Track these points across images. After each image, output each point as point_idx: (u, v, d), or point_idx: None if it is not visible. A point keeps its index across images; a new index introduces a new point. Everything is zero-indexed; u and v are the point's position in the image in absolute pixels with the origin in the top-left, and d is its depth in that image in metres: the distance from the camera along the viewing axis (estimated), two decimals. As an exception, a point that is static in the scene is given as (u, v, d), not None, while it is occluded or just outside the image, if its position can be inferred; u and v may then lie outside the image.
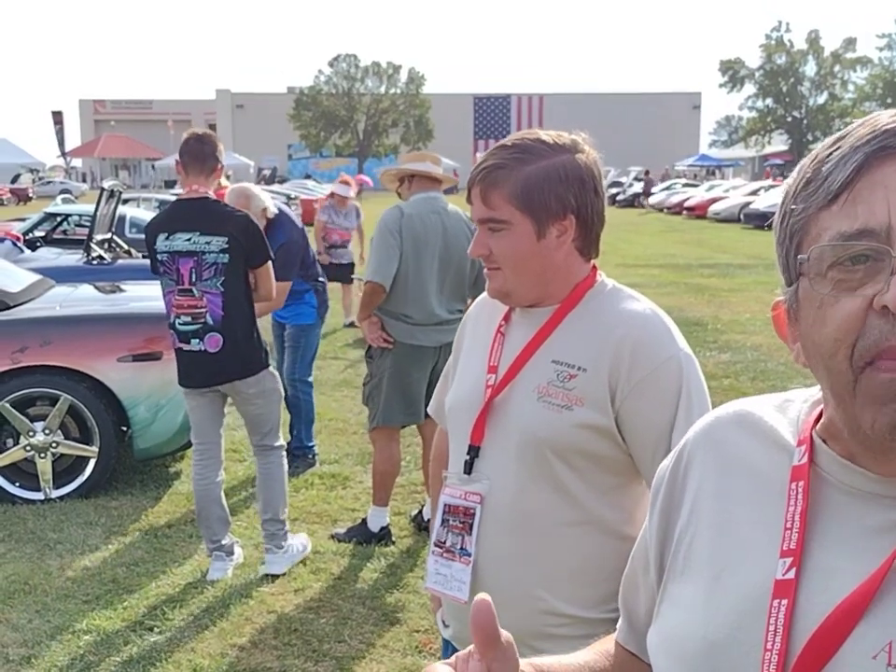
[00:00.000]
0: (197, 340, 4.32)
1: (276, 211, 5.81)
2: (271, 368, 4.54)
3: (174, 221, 4.36)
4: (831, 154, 0.88)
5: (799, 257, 0.89)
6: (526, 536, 1.79)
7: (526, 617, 1.79)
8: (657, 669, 1.03)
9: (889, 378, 0.81)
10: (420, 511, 5.16)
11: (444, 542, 1.88)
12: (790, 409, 1.02)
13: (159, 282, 4.48)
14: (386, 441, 4.95)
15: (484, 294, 1.99)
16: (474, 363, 1.92)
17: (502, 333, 1.88)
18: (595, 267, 1.86)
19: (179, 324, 4.34)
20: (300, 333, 6.27)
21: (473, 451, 1.84)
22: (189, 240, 4.30)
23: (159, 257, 4.35)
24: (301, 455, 6.14)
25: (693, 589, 0.99)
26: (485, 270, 1.84)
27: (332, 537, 5.02)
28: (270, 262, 4.44)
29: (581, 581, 1.80)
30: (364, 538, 4.92)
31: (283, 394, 4.74)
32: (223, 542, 4.58)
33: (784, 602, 0.89)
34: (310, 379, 6.36)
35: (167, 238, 4.33)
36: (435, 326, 4.76)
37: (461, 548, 1.84)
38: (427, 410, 2.26)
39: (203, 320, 4.31)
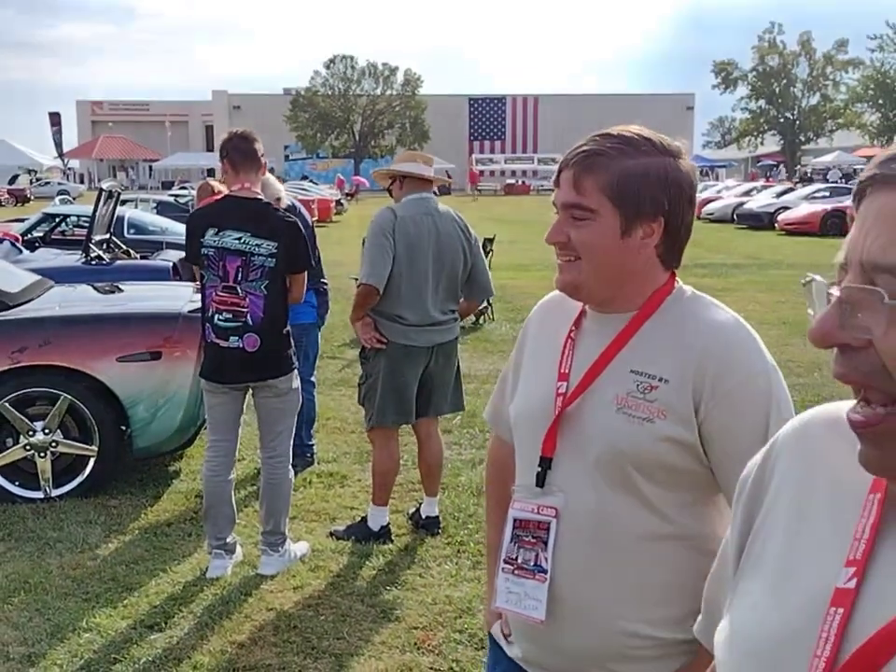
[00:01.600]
0: (236, 338, 4.37)
1: (290, 203, 5.87)
2: (296, 371, 4.60)
3: (226, 217, 4.40)
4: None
5: None
6: (606, 551, 1.71)
7: (605, 637, 1.72)
8: (718, 662, 1.03)
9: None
10: (417, 509, 5.19)
11: (516, 559, 1.78)
12: None
13: (154, 283, 4.50)
14: (385, 441, 4.97)
15: (548, 297, 1.94)
16: (542, 371, 1.81)
17: (573, 339, 1.78)
18: (673, 274, 1.78)
19: (219, 319, 4.38)
20: (300, 333, 6.23)
21: (545, 463, 1.75)
22: (239, 239, 4.35)
23: (204, 250, 4.39)
24: (300, 453, 6.16)
25: (760, 586, 0.99)
26: (558, 260, 1.73)
27: (331, 534, 5.04)
28: (308, 270, 4.54)
29: (663, 598, 1.72)
30: (363, 536, 4.94)
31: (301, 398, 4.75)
32: (227, 541, 4.61)
33: (840, 611, 0.88)
34: (312, 379, 6.39)
35: (217, 233, 4.37)
36: (429, 326, 4.79)
37: (535, 564, 1.75)
38: (484, 415, 2.17)
39: (243, 319, 4.36)
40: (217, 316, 4.40)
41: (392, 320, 4.77)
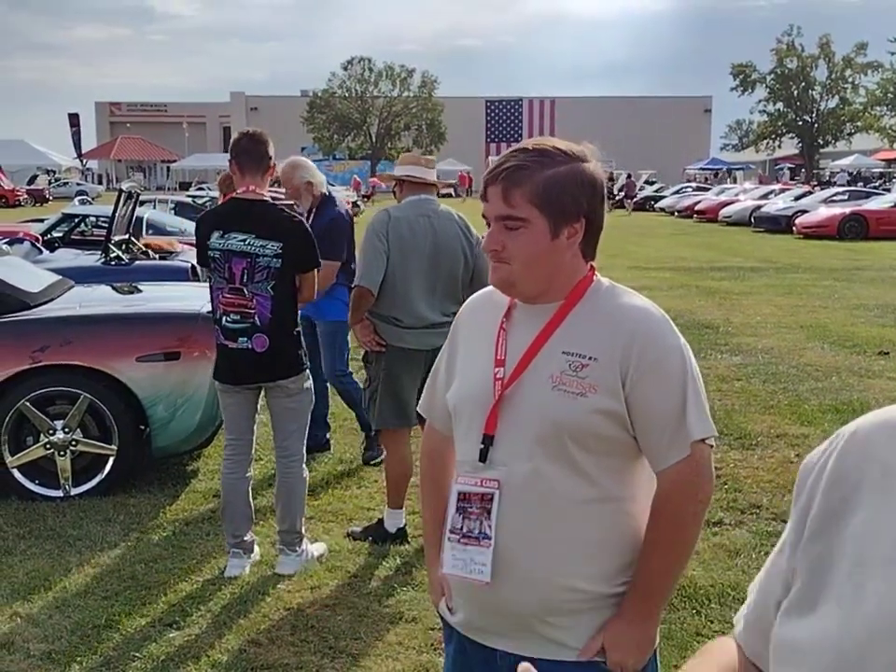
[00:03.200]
0: (245, 339, 4.39)
1: (325, 191, 5.95)
2: (307, 370, 4.62)
3: (230, 220, 4.42)
4: None
5: None
6: (544, 515, 1.88)
7: (544, 593, 1.89)
8: (789, 660, 0.98)
9: None
10: None
11: (461, 528, 1.95)
12: None
13: (174, 283, 4.54)
14: (395, 445, 4.97)
15: (477, 294, 2.14)
16: (478, 359, 1.99)
17: (505, 329, 1.97)
18: (592, 266, 1.98)
19: (227, 321, 4.41)
20: (334, 330, 6.23)
21: (488, 440, 1.92)
22: (244, 241, 4.36)
23: (210, 253, 4.42)
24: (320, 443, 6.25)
25: (831, 590, 0.95)
26: (491, 262, 1.93)
27: (348, 535, 5.07)
28: (317, 268, 4.53)
29: (594, 555, 1.91)
30: (380, 537, 4.96)
31: (314, 399, 4.76)
32: (244, 539, 4.63)
33: None
34: (349, 371, 6.46)
35: (222, 236, 4.39)
36: (425, 329, 4.75)
37: (480, 532, 1.92)
38: (418, 408, 2.33)
39: (251, 320, 4.38)
40: (225, 318, 4.42)
41: (388, 322, 4.77)
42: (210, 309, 5.81)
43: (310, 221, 5.68)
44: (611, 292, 1.96)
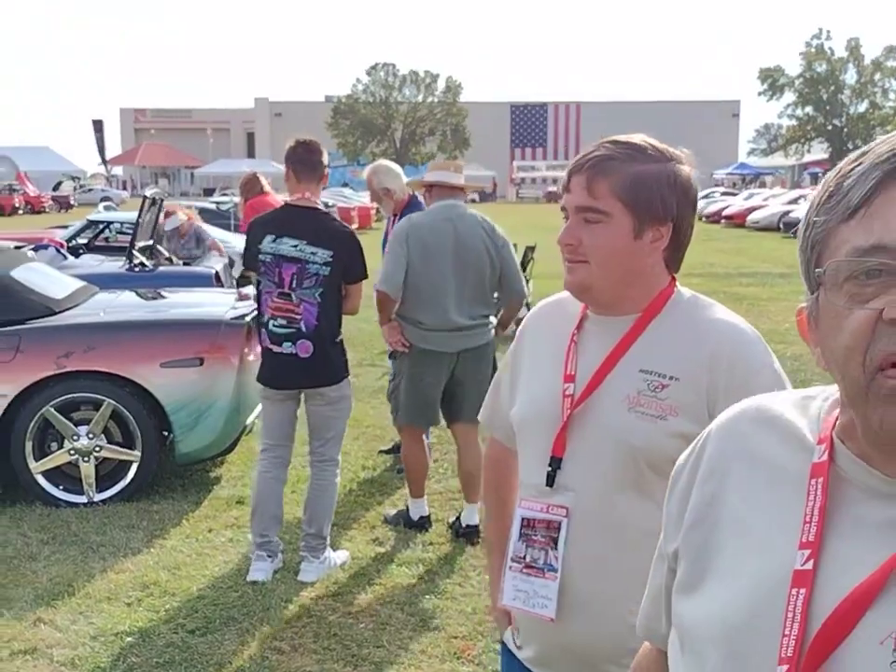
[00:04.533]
0: (290, 343, 4.45)
1: (411, 193, 6.02)
2: (350, 377, 4.69)
3: (283, 225, 4.50)
4: (853, 169, 0.94)
5: (816, 271, 0.96)
6: (617, 547, 1.73)
7: (616, 632, 1.72)
8: (673, 653, 1.09)
9: (895, 383, 0.88)
10: (458, 518, 5.19)
11: (524, 557, 1.80)
12: (810, 406, 1.07)
13: (196, 289, 4.57)
14: (411, 440, 5.16)
15: (544, 302, 1.97)
16: (546, 374, 1.84)
17: (576, 342, 1.81)
18: (674, 279, 1.84)
19: (274, 325, 4.47)
20: None
21: (556, 462, 1.77)
22: (295, 246, 4.44)
23: (262, 257, 4.48)
24: None
25: (713, 576, 1.04)
26: (566, 261, 1.77)
27: (383, 518, 5.32)
28: (363, 280, 4.61)
29: None
30: (406, 523, 5.19)
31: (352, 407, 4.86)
32: (271, 541, 4.64)
33: (802, 591, 0.94)
34: None
35: (274, 240, 4.46)
36: (451, 332, 4.88)
37: (545, 562, 1.77)
38: (479, 418, 2.18)
39: (297, 326, 4.44)
40: (272, 322, 4.48)
41: (412, 324, 4.93)
42: (234, 315, 5.87)
43: (393, 226, 5.73)
44: (694, 305, 1.81)
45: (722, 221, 37.85)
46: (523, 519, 1.82)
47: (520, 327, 2.03)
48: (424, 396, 4.98)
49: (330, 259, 4.43)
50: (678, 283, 1.84)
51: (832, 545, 0.96)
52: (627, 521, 1.73)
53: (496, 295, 5.17)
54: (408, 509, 5.22)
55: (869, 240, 0.90)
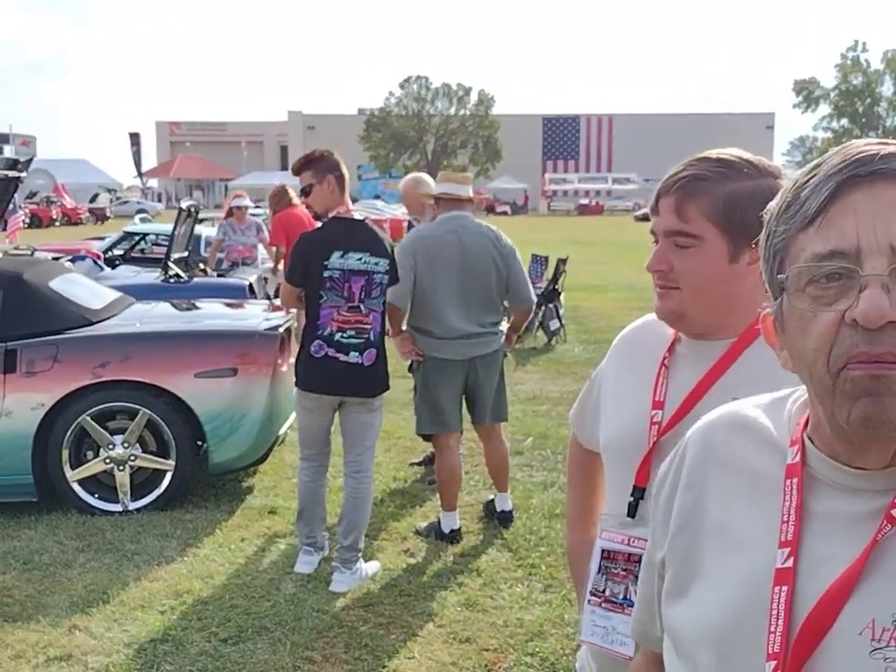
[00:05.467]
0: (356, 353, 4.54)
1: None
2: None
3: (345, 240, 4.56)
4: (808, 180, 0.99)
5: (779, 277, 1.01)
6: None
7: None
8: (669, 657, 1.13)
9: (858, 376, 0.93)
10: (492, 501, 5.52)
11: (603, 591, 1.73)
12: (781, 409, 1.13)
13: (231, 300, 4.62)
14: (441, 450, 5.27)
15: (638, 322, 1.88)
16: (634, 398, 1.73)
17: (667, 367, 1.71)
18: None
19: (342, 337, 4.53)
20: None
21: (638, 492, 1.68)
22: (360, 259, 4.54)
23: (328, 273, 4.50)
24: None
25: (699, 581, 1.08)
26: (657, 287, 1.67)
27: (415, 530, 5.35)
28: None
29: None
30: (438, 535, 5.22)
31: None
32: (317, 539, 4.83)
33: (784, 589, 0.99)
34: None
35: (342, 256, 4.53)
36: (461, 340, 5.06)
37: (625, 598, 1.69)
38: (569, 415, 2.09)
39: (366, 335, 4.55)
40: (339, 335, 4.52)
41: (423, 334, 5.11)
42: (268, 326, 5.92)
43: None
44: None
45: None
46: (603, 551, 1.74)
47: (613, 343, 1.92)
48: (437, 403, 5.12)
49: (388, 268, 4.61)
50: None
51: (809, 542, 1.00)
52: None
53: (504, 303, 5.34)
54: (440, 521, 5.25)
55: (827, 246, 0.95)
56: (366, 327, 4.54)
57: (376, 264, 4.56)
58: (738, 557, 1.04)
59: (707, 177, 1.60)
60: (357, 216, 4.72)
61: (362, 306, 4.53)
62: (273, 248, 9.88)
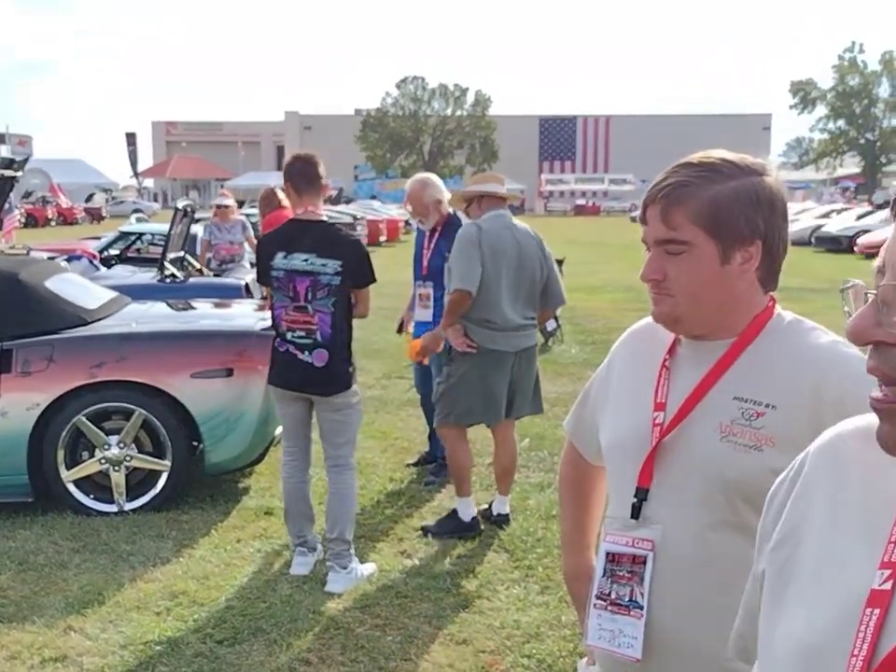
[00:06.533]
0: (307, 353, 4.59)
1: (453, 211, 6.03)
2: (355, 386, 4.78)
3: (292, 241, 4.63)
4: None
5: None
6: (708, 585, 1.62)
7: None
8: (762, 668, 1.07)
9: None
10: (489, 506, 5.50)
11: (608, 594, 1.71)
12: None
13: (227, 300, 4.62)
14: (456, 438, 5.34)
15: (638, 325, 1.89)
16: (636, 400, 1.75)
17: (667, 368, 1.73)
18: (773, 298, 1.74)
19: (293, 337, 4.61)
20: None
21: (641, 494, 1.68)
22: (306, 260, 4.57)
23: (274, 273, 4.62)
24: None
25: (793, 595, 1.03)
26: (652, 293, 1.69)
27: (423, 530, 5.30)
28: (372, 284, 4.74)
29: None
30: (456, 529, 5.23)
31: (362, 414, 5.00)
32: (307, 538, 4.81)
33: (876, 612, 0.92)
34: None
35: (285, 256, 4.60)
36: (514, 331, 5.20)
37: (630, 600, 1.68)
38: (564, 424, 2.09)
39: (314, 336, 4.58)
40: (289, 334, 4.62)
41: (482, 325, 5.15)
42: (264, 326, 5.90)
43: (435, 240, 5.91)
44: (795, 328, 1.70)
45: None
46: (608, 554, 1.72)
47: (613, 347, 1.94)
48: (490, 394, 5.21)
49: (340, 269, 4.56)
50: (777, 305, 1.75)
51: None
52: (721, 558, 1.61)
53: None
54: (456, 512, 5.29)
55: (877, 261, 0.94)
56: (312, 327, 4.57)
57: (323, 265, 4.55)
58: (836, 574, 0.98)
59: (691, 183, 1.62)
60: (319, 216, 4.72)
61: (309, 307, 4.57)
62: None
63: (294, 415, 4.77)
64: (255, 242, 10.59)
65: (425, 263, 5.96)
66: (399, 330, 6.90)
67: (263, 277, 4.74)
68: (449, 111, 78.96)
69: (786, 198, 1.69)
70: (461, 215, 5.85)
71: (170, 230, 9.96)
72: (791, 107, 74.52)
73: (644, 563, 1.66)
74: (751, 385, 1.64)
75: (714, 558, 1.62)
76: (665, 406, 1.69)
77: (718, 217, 1.61)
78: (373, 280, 4.72)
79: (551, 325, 11.71)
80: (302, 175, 4.68)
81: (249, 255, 11.21)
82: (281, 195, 8.16)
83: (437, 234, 5.95)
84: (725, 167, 1.64)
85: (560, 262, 12.35)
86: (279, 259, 4.61)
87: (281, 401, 4.80)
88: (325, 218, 4.80)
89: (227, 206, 10.97)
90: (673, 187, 1.62)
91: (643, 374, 1.76)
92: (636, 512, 1.69)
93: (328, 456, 4.78)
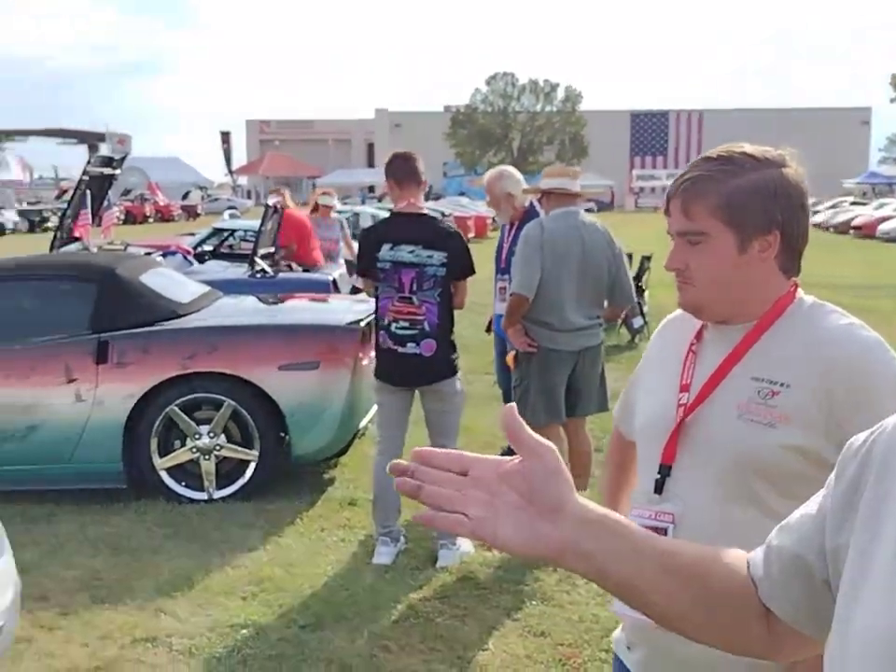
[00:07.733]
0: (413, 344, 4.73)
1: (525, 206, 6.05)
2: (459, 373, 4.94)
3: (398, 233, 4.78)
4: None
5: None
6: None
7: None
8: (833, 656, 1.01)
9: None
10: None
11: None
12: None
13: (315, 295, 4.73)
14: (553, 440, 5.13)
15: (673, 314, 1.97)
16: (664, 382, 1.86)
17: (694, 352, 1.83)
18: (795, 284, 1.79)
19: (396, 328, 4.75)
20: None
21: (664, 470, 1.78)
22: (412, 252, 4.72)
23: (380, 264, 4.76)
24: None
25: (868, 588, 0.98)
26: (677, 282, 1.79)
27: None
28: (471, 276, 4.89)
29: None
30: None
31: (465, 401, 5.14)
32: (392, 529, 4.91)
33: None
34: None
35: (392, 248, 4.74)
36: (574, 332, 5.16)
37: None
38: (613, 413, 2.21)
39: (420, 326, 4.72)
40: (393, 325, 4.76)
41: (541, 326, 5.14)
42: (350, 320, 6.00)
43: (512, 233, 5.89)
44: (815, 312, 1.76)
45: (851, 232, 36.66)
46: None
47: (651, 338, 2.06)
48: (552, 394, 5.21)
49: (445, 260, 4.71)
50: (800, 290, 1.80)
51: None
52: (738, 530, 1.64)
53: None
54: None
55: None
56: (418, 318, 4.71)
57: (429, 257, 4.70)
58: None
59: (711, 177, 1.71)
60: (421, 209, 4.89)
61: (414, 297, 4.71)
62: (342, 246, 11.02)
63: (393, 404, 4.90)
64: (351, 241, 10.89)
65: (503, 256, 5.99)
66: (488, 330, 6.94)
67: (366, 268, 4.85)
68: (539, 107, 78.48)
69: (806, 188, 1.75)
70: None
71: (261, 226, 10.16)
72: (891, 101, 72.30)
73: (665, 534, 1.74)
74: (768, 365, 1.72)
75: (731, 530, 1.66)
76: (690, 387, 1.79)
77: (734, 208, 1.69)
78: (474, 272, 4.88)
79: (638, 322, 11.61)
80: (403, 170, 4.85)
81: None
82: (287, 196, 8.33)
83: (514, 228, 5.96)
84: (745, 160, 1.72)
85: (648, 258, 12.28)
86: (385, 251, 4.73)
87: (381, 392, 4.93)
88: (427, 211, 4.96)
89: (329, 205, 11.17)
90: (693, 181, 1.72)
91: (673, 359, 1.87)
92: (658, 488, 1.79)
93: (433, 444, 4.84)
